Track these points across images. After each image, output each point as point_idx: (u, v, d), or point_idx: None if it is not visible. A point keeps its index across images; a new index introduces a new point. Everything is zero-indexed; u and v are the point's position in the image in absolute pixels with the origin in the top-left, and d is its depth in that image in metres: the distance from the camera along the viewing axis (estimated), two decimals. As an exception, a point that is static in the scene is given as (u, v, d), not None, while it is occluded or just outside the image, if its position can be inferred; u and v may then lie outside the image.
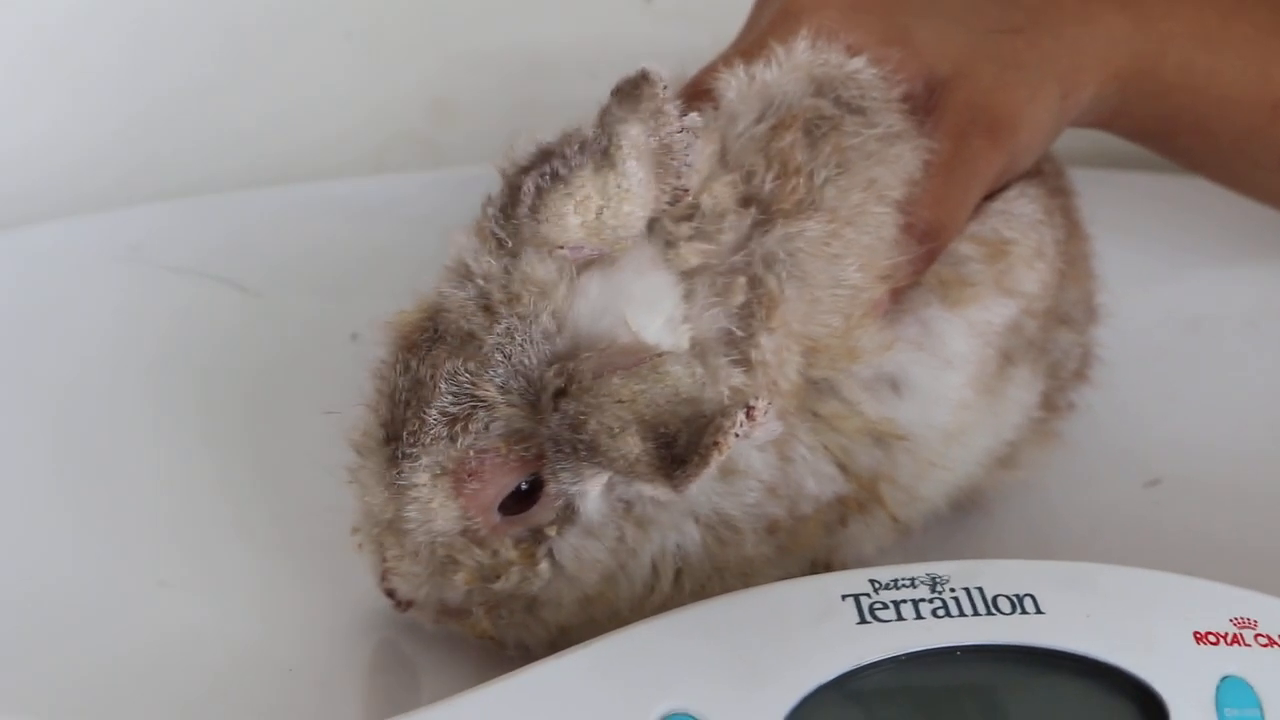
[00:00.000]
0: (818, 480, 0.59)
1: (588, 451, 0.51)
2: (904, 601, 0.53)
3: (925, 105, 0.63)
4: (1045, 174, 0.68)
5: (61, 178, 0.83)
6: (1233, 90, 0.70)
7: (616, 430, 0.50)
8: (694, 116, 0.56)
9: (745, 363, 0.57)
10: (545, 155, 0.55)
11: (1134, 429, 0.75)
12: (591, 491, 0.53)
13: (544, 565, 0.55)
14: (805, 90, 0.61)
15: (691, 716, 0.50)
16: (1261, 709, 0.52)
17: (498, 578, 0.55)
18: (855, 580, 0.53)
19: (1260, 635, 0.54)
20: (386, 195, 0.84)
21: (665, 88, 0.55)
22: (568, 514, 0.55)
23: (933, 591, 0.53)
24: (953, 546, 0.67)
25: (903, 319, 0.61)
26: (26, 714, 0.55)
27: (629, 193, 0.54)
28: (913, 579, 0.54)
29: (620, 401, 0.51)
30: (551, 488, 0.54)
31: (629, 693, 0.51)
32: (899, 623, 0.52)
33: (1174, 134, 0.72)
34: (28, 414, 0.69)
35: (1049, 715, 0.52)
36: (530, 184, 0.54)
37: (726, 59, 0.63)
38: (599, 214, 0.54)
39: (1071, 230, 0.69)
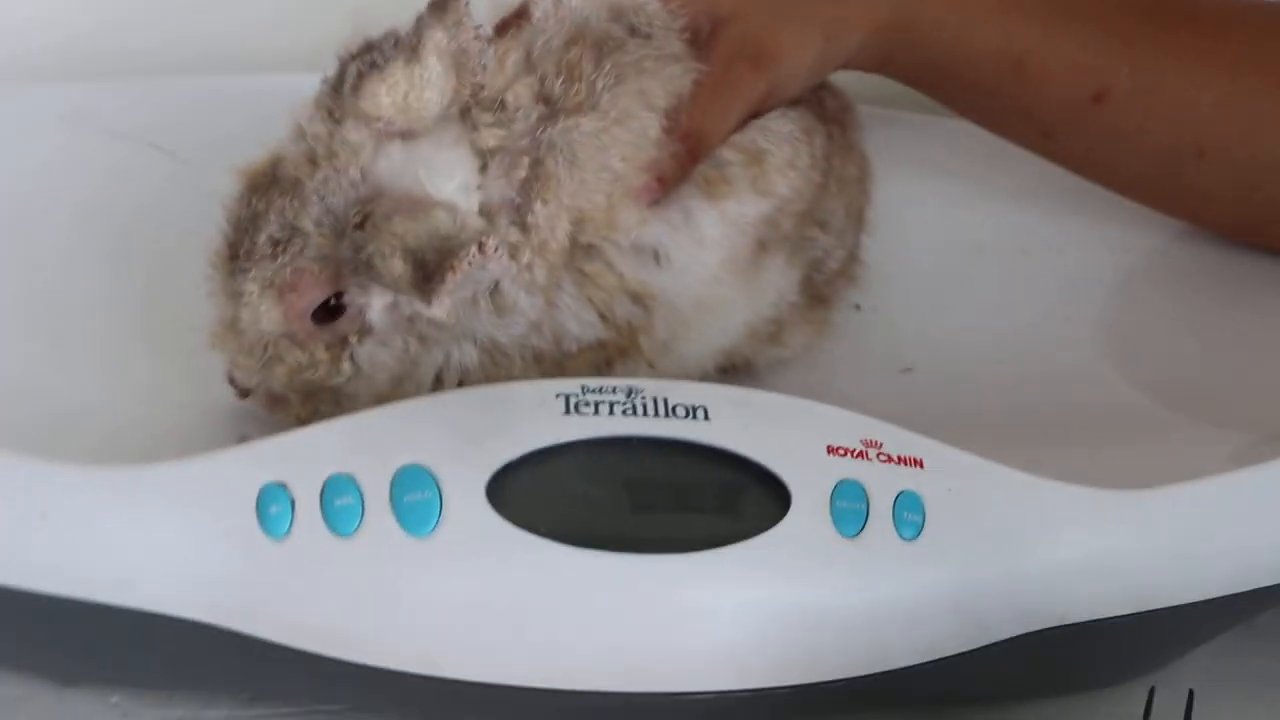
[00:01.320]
0: (579, 324, 0.76)
1: (367, 270, 0.68)
2: (603, 402, 0.69)
3: (706, 38, 0.80)
4: (820, 103, 0.83)
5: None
6: (980, 51, 0.85)
7: (387, 254, 0.68)
8: (484, 28, 0.72)
9: (522, 225, 0.73)
10: (369, 47, 0.72)
11: (899, 327, 0.90)
12: (376, 304, 0.70)
13: (346, 365, 0.72)
14: (603, 16, 0.77)
15: (423, 468, 0.66)
16: (868, 504, 0.68)
17: (310, 372, 0.72)
18: (570, 385, 0.69)
19: (882, 454, 0.69)
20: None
21: (466, 2, 0.72)
22: (366, 328, 0.72)
23: (628, 398, 0.69)
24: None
25: (669, 206, 0.77)
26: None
27: (429, 83, 0.71)
28: (615, 388, 0.70)
29: (394, 234, 0.68)
30: (349, 303, 0.71)
31: (379, 449, 0.67)
32: (594, 416, 0.68)
33: (936, 83, 0.87)
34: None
35: (699, 498, 0.67)
36: (354, 68, 0.72)
37: None
38: (405, 97, 0.71)
39: (843, 154, 0.84)
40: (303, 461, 0.67)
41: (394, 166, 0.70)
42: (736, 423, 0.68)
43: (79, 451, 0.68)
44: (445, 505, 0.65)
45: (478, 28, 0.72)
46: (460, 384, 0.75)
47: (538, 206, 0.73)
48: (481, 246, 0.65)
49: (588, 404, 0.68)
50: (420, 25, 0.71)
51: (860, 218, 0.86)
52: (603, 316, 0.76)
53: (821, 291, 0.85)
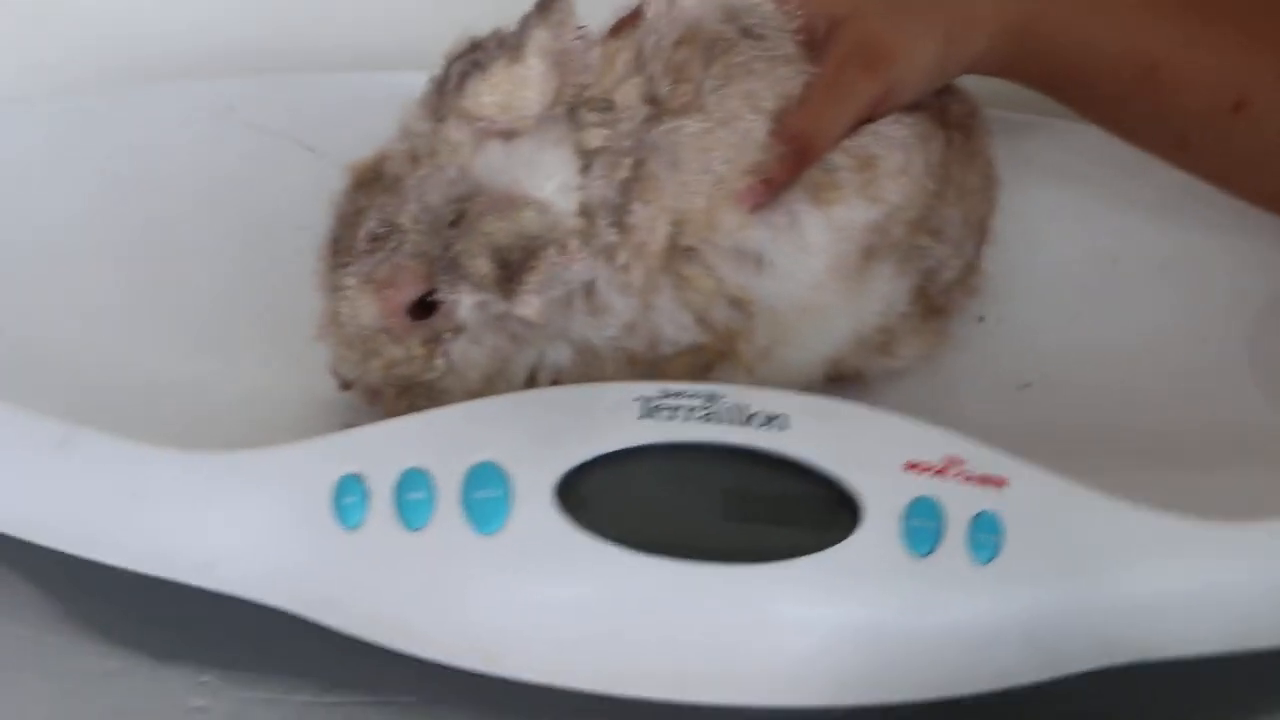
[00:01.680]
0: (675, 328, 0.75)
1: (455, 268, 0.69)
2: (681, 408, 0.69)
3: (822, 39, 0.78)
4: (942, 108, 0.82)
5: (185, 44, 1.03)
6: (1109, 55, 0.81)
7: (475, 253, 0.68)
8: (588, 29, 0.72)
9: (620, 225, 0.73)
10: (473, 47, 0.72)
11: (1023, 340, 0.88)
12: (465, 301, 0.71)
13: (440, 361, 0.73)
14: (716, 16, 0.77)
15: (495, 466, 0.67)
16: (942, 522, 0.66)
17: (405, 367, 0.73)
18: (651, 389, 0.69)
19: (963, 472, 0.68)
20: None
21: (571, 3, 0.72)
22: (459, 325, 0.72)
23: (707, 404, 0.69)
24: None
25: (774, 209, 0.76)
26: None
27: (530, 82, 0.71)
28: (696, 393, 0.69)
29: (484, 233, 0.69)
30: (441, 299, 0.71)
31: (454, 445, 0.67)
32: (670, 421, 0.68)
33: (1063, 86, 0.84)
34: (124, 226, 0.90)
35: (769, 508, 0.66)
36: (458, 68, 0.72)
37: None
38: (507, 96, 0.72)
39: (965, 161, 0.83)
40: (380, 454, 0.67)
41: (493, 165, 0.71)
42: (815, 433, 0.67)
43: (187, 435, 0.70)
44: (514, 504, 0.65)
45: (581, 28, 0.72)
46: (554, 383, 0.75)
47: (637, 207, 0.72)
48: (564, 248, 0.65)
49: (665, 408, 0.68)
50: (525, 25, 0.71)
51: (981, 227, 0.84)
52: (700, 320, 0.75)
53: (937, 302, 0.83)
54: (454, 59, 0.72)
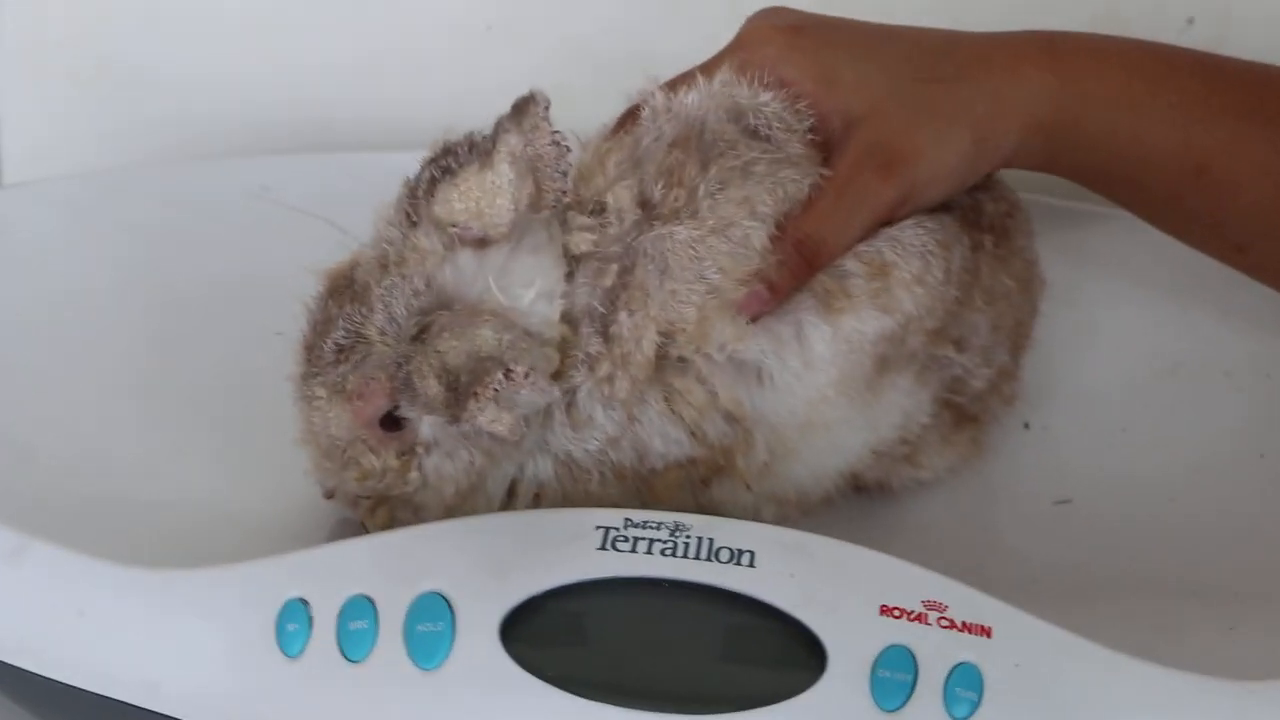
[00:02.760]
0: (665, 442, 0.71)
1: (410, 386, 0.65)
2: (642, 539, 0.64)
3: (838, 139, 0.73)
4: (976, 208, 0.76)
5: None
6: (1156, 154, 0.75)
7: (425, 374, 0.64)
8: (562, 134, 0.68)
9: (605, 335, 0.69)
10: (446, 151, 0.69)
11: (1067, 452, 0.82)
12: (425, 419, 0.67)
13: (414, 474, 0.69)
14: (720, 116, 0.72)
15: (441, 597, 0.63)
16: (916, 674, 0.61)
17: (379, 480, 0.70)
18: (613, 516, 0.65)
19: (944, 618, 0.62)
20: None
21: (546, 107, 0.68)
22: (433, 441, 0.69)
23: (671, 535, 0.64)
24: (856, 530, 0.76)
25: (777, 319, 0.71)
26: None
27: (501, 189, 0.67)
28: (659, 523, 0.64)
29: (438, 351, 0.65)
30: (404, 415, 0.68)
31: (403, 571, 0.64)
32: (630, 554, 0.63)
33: (1108, 184, 0.78)
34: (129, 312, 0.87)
35: (728, 653, 0.61)
36: (428, 173, 0.68)
37: (671, 81, 0.75)
38: (477, 203, 0.67)
39: (997, 264, 0.77)
40: (327, 578, 0.64)
41: (462, 275, 0.67)
42: (783, 571, 0.63)
43: (153, 549, 0.68)
44: (457, 639, 0.62)
45: (555, 133, 0.67)
46: (536, 498, 0.71)
47: (622, 317, 0.68)
48: (509, 372, 0.61)
49: (625, 539, 0.63)
50: (497, 129, 0.67)
51: (1017, 332, 0.78)
52: (692, 434, 0.71)
53: (968, 411, 0.77)
54: (429, 162, 0.68)
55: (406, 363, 0.64)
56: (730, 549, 0.63)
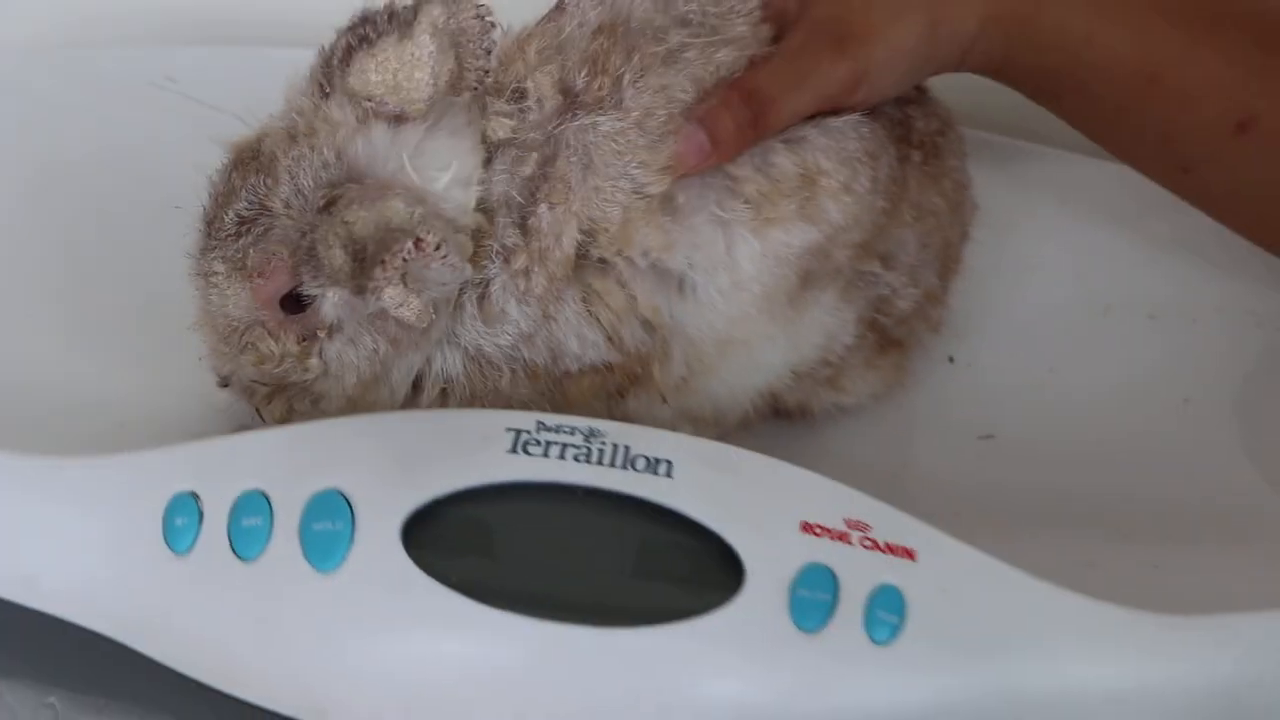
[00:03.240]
0: (580, 343, 0.67)
1: (311, 259, 0.61)
2: (555, 444, 0.60)
3: (792, 19, 0.70)
4: (906, 122, 0.73)
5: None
6: (1108, 57, 0.72)
7: (331, 243, 0.60)
8: (488, 8, 0.64)
9: (522, 227, 0.65)
10: (365, 20, 0.64)
11: (991, 386, 0.79)
12: (330, 296, 0.63)
13: (314, 361, 0.65)
14: (646, 4, 0.68)
15: (341, 494, 0.59)
16: (836, 595, 0.58)
17: (277, 365, 0.65)
18: (525, 419, 0.61)
19: (867, 539, 0.59)
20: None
21: None
22: (336, 325, 0.64)
23: (585, 440, 0.61)
24: (773, 453, 0.72)
25: (703, 227, 0.68)
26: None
27: (420, 61, 0.63)
28: (573, 428, 0.61)
29: (345, 222, 0.61)
30: (306, 293, 0.64)
31: (300, 467, 0.60)
32: (542, 459, 0.60)
33: (1059, 93, 0.74)
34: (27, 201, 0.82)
35: (639, 566, 0.58)
36: (344, 41, 0.64)
37: None
38: (394, 75, 0.63)
39: (926, 181, 0.74)
40: (219, 472, 0.60)
41: (375, 150, 0.63)
42: (702, 484, 0.59)
43: (35, 436, 0.64)
44: (355, 540, 0.58)
45: (480, 6, 0.63)
46: (443, 393, 0.67)
47: (542, 210, 0.65)
48: (419, 242, 0.57)
49: (537, 443, 0.60)
50: (420, 0, 0.63)
51: (947, 255, 0.75)
52: (609, 338, 0.68)
53: (893, 334, 0.75)
54: (343, 31, 0.64)
55: (311, 231, 0.60)
56: (647, 458, 0.59)
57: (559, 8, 0.69)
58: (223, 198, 0.64)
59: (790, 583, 0.57)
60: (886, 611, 0.57)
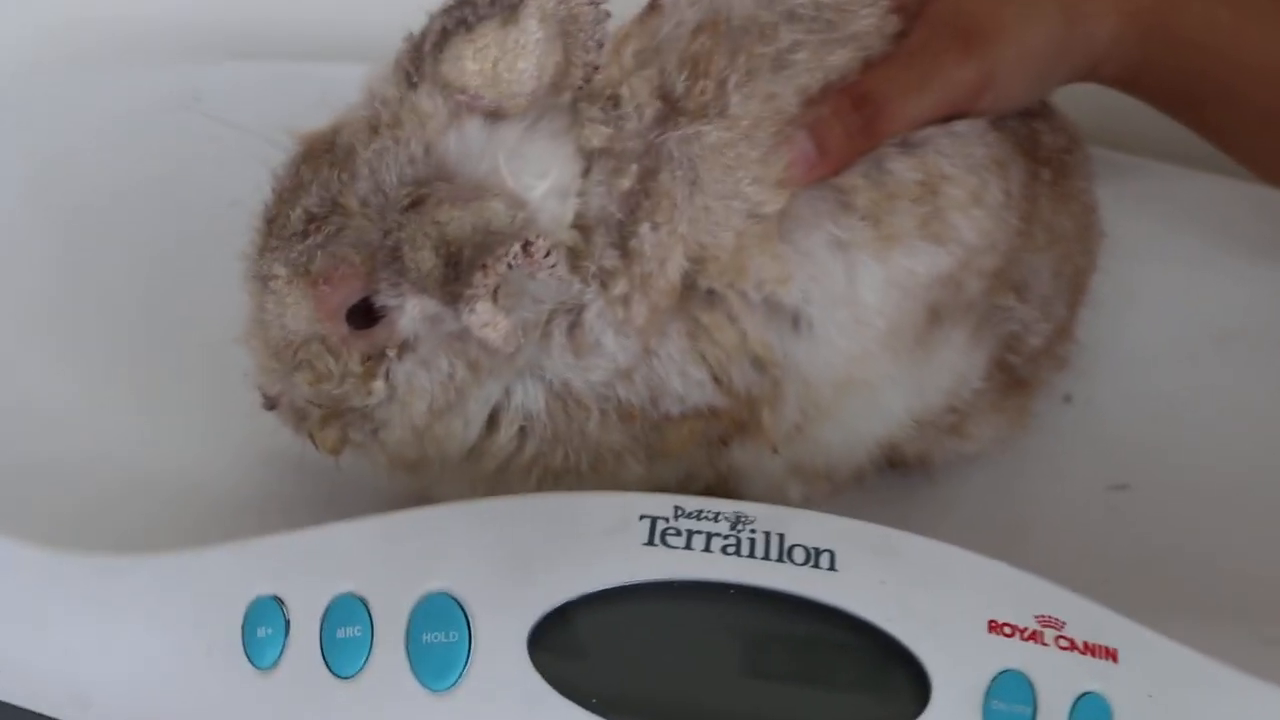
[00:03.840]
0: (684, 382, 0.58)
1: (394, 261, 0.52)
2: (699, 533, 0.51)
3: (915, 14, 0.61)
4: (1033, 137, 0.65)
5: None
6: (1260, 56, 0.63)
7: (419, 243, 0.51)
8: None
9: (623, 248, 0.56)
10: (463, 1, 0.55)
11: (1118, 429, 0.71)
12: (410, 309, 0.54)
13: (379, 384, 0.56)
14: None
15: (453, 598, 0.50)
16: (1035, 707, 0.49)
17: (337, 387, 0.56)
18: (659, 503, 0.52)
19: (1063, 637, 0.51)
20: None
21: None
22: (410, 343, 0.55)
23: (732, 529, 0.52)
24: (892, 512, 0.64)
25: (820, 253, 0.59)
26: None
27: (525, 50, 0.54)
28: (717, 513, 0.52)
29: (436, 222, 0.52)
30: (382, 304, 0.54)
31: (404, 566, 0.51)
32: (685, 551, 0.51)
33: (1201, 101, 0.66)
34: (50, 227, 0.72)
35: (810, 676, 0.50)
36: (438, 24, 0.55)
37: None
38: (495, 64, 0.54)
39: (1056, 201, 0.65)
40: (307, 572, 0.52)
41: (468, 148, 0.55)
42: (871, 577, 0.51)
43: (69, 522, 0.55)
44: (474, 652, 0.49)
45: None
46: (521, 431, 0.58)
47: (644, 230, 0.56)
48: (528, 246, 0.49)
49: (677, 533, 0.51)
50: None
51: (1077, 283, 0.67)
52: (716, 379, 0.59)
53: (1019, 374, 0.66)
54: (438, 13, 0.55)
55: (397, 230, 0.52)
56: (805, 547, 0.51)
57: (653, 7, 0.60)
58: (289, 193, 0.55)
59: (983, 694, 0.49)
60: (1092, 725, 0.48)
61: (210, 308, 0.62)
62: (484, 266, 0.49)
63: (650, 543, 0.51)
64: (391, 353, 0.55)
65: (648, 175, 0.56)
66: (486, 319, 0.51)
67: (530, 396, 0.58)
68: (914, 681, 0.49)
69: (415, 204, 0.53)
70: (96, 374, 0.66)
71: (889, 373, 0.60)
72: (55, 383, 0.64)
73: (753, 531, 0.51)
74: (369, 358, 0.55)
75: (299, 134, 0.57)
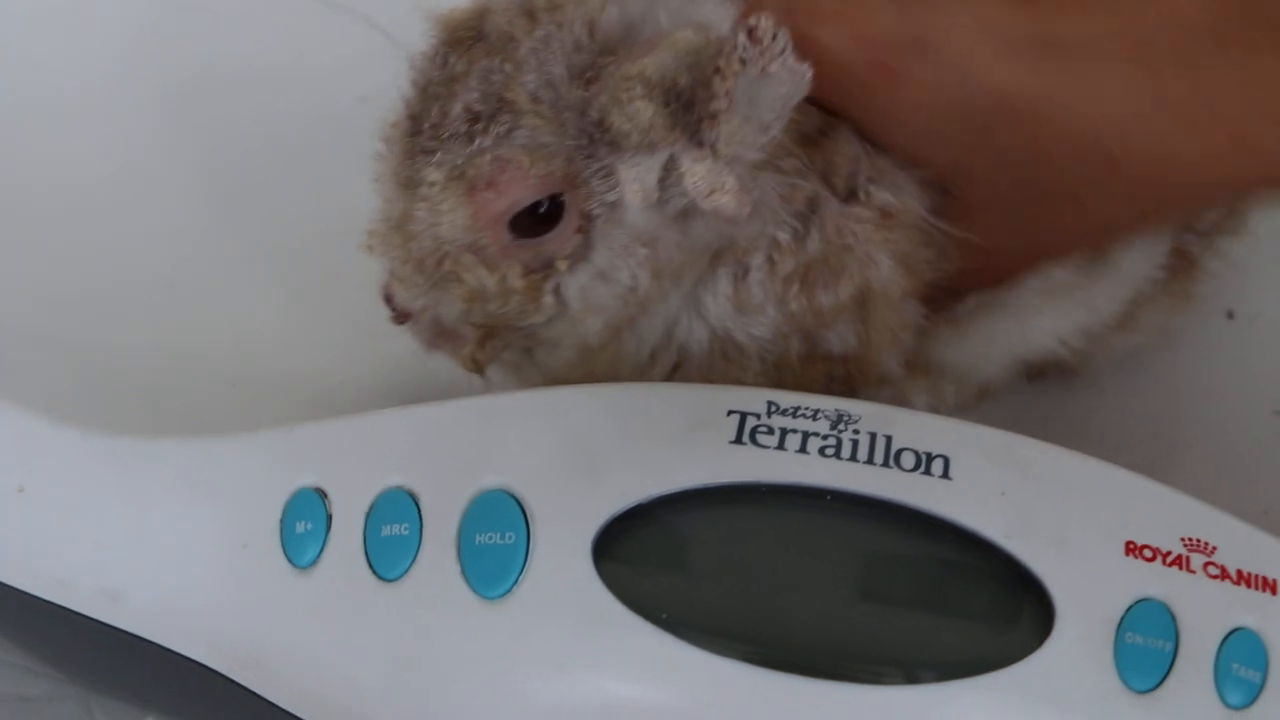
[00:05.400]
0: (841, 342, 0.51)
1: (602, 134, 0.45)
2: (794, 431, 0.44)
3: None
4: None
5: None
6: None
7: (625, 100, 0.44)
8: None
9: (805, 221, 0.49)
10: None
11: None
12: (629, 197, 0.46)
13: (549, 299, 0.48)
14: None
15: (511, 495, 0.43)
16: (1177, 641, 0.41)
17: (498, 304, 0.49)
18: (751, 398, 0.45)
19: (1213, 564, 0.43)
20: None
21: None
22: (582, 251, 0.48)
23: (833, 428, 0.44)
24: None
25: None
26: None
27: None
28: (816, 411, 0.45)
29: (628, 77, 0.44)
30: (571, 206, 0.47)
31: (460, 459, 0.44)
32: (777, 451, 0.44)
33: None
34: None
35: (914, 597, 0.42)
36: None
37: None
38: None
39: None
40: (354, 463, 0.46)
41: (629, 14, 0.47)
42: (992, 488, 0.43)
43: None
44: (532, 556, 0.42)
45: None
46: (675, 369, 0.51)
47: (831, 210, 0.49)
48: (751, 31, 0.42)
49: (769, 430, 0.43)
50: None
51: None
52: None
53: (1191, 252, 0.58)
54: None
55: (586, 110, 0.45)
56: (916, 452, 0.43)
57: None
58: (439, 86, 0.47)
59: (1116, 625, 0.41)
60: (1244, 665, 0.41)
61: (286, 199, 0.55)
62: (717, 70, 0.42)
63: (738, 441, 0.43)
64: (562, 264, 0.48)
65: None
66: (713, 180, 0.44)
67: (692, 333, 0.50)
68: (1036, 607, 0.42)
69: (595, 79, 0.46)
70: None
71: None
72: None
73: (856, 432, 0.44)
74: (531, 270, 0.48)
75: (436, 18, 0.49)
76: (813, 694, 0.41)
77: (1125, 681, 0.41)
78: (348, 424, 0.46)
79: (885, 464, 0.43)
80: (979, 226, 0.47)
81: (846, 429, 0.44)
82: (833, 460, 0.43)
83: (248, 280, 0.60)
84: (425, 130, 0.47)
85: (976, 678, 0.41)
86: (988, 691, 0.41)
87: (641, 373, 0.51)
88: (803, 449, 0.43)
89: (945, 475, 0.43)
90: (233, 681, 0.45)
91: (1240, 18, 0.45)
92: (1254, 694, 0.41)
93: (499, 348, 0.50)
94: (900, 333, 0.51)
